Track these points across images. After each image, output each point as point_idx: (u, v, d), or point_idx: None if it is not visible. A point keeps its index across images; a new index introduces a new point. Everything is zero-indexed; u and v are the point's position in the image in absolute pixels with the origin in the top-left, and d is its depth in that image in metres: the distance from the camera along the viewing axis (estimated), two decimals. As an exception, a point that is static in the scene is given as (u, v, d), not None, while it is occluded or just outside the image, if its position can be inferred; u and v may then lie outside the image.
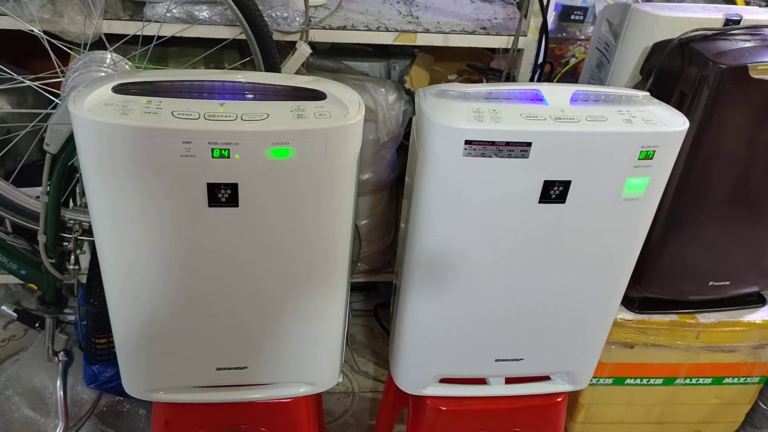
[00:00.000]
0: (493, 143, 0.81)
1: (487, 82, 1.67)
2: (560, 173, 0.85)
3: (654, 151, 0.84)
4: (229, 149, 0.77)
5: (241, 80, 0.84)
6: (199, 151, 0.77)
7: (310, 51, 1.34)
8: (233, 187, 0.80)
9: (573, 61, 1.82)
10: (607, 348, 1.24)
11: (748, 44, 1.12)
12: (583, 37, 1.83)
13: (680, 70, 1.12)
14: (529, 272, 0.96)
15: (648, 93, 0.93)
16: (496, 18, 1.50)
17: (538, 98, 0.87)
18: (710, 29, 1.14)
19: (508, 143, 0.82)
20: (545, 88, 0.88)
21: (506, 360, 1.06)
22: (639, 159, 0.85)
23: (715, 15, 1.18)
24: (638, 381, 1.40)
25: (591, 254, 0.95)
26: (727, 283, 1.30)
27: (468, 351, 1.04)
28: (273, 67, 1.19)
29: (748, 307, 1.37)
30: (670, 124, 0.85)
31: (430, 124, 0.83)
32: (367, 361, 1.73)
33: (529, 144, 0.82)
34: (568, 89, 0.88)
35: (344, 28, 1.37)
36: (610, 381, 1.39)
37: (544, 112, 0.84)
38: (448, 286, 0.97)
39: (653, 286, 1.29)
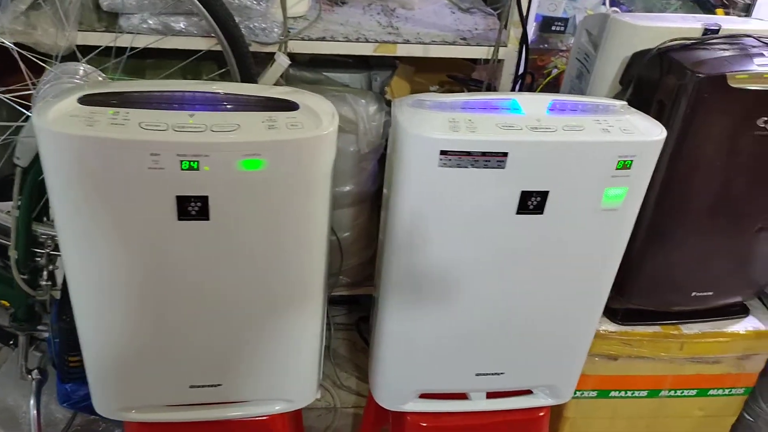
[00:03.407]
0: (468, 153, 0.80)
1: (468, 92, 1.66)
2: (538, 183, 0.84)
3: (632, 161, 0.84)
4: (198, 161, 0.75)
5: (213, 91, 0.83)
6: (167, 164, 0.75)
7: (289, 62, 1.32)
8: (203, 200, 0.78)
9: (555, 72, 1.81)
10: (591, 360, 1.22)
11: (726, 53, 1.11)
12: (564, 48, 1.83)
13: (659, 80, 1.11)
14: (508, 284, 0.95)
15: (626, 103, 0.92)
16: (476, 29, 1.50)
17: (515, 108, 0.86)
18: (689, 39, 1.14)
19: (484, 153, 0.80)
20: (522, 98, 0.87)
21: (487, 374, 1.05)
22: (617, 169, 0.84)
23: (694, 25, 1.17)
24: (623, 393, 1.39)
25: (571, 265, 0.94)
26: (711, 293, 1.29)
27: (448, 365, 1.03)
28: (250, 78, 1.17)
29: (732, 318, 1.36)
30: (648, 134, 0.84)
31: (405, 135, 0.81)
32: (350, 376, 1.70)
33: (506, 154, 0.81)
34: (545, 99, 0.87)
35: (324, 39, 1.36)
36: (594, 394, 1.37)
37: (520, 121, 0.83)
38: (426, 299, 0.95)
39: (636, 297, 1.27)
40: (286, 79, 1.40)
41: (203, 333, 0.92)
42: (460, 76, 1.65)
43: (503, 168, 0.82)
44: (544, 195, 0.85)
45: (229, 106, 0.82)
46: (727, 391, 1.41)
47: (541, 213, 0.86)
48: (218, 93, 0.82)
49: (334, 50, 1.38)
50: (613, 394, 1.38)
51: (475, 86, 1.64)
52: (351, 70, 1.63)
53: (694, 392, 1.41)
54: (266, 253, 0.85)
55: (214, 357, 0.96)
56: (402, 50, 1.40)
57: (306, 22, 1.40)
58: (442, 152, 0.80)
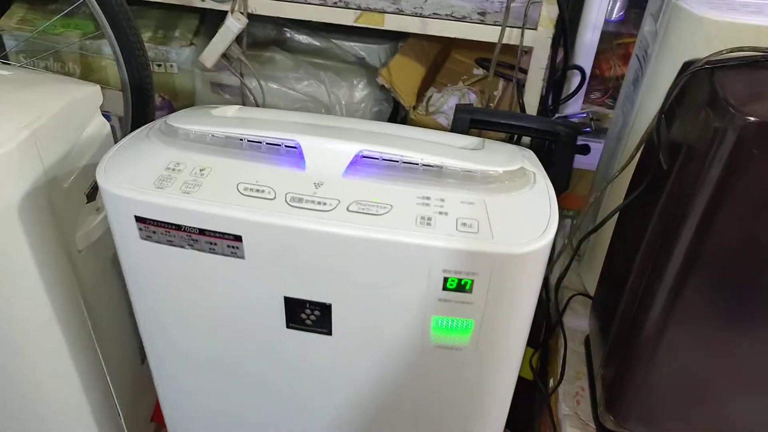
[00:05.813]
0: (179, 227, 0.48)
1: (505, 83, 1.25)
2: (309, 290, 0.50)
3: (471, 281, 0.46)
4: None
5: None
6: None
7: (240, 26, 1.04)
8: None
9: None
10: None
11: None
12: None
13: (695, 113, 0.69)
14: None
15: (527, 155, 0.53)
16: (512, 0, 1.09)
17: (297, 157, 0.51)
18: (760, 49, 0.68)
19: (202, 231, 0.48)
20: (315, 143, 0.51)
21: None
22: (446, 290, 0.47)
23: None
24: None
25: (395, 411, 0.58)
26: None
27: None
28: (128, 46, 0.89)
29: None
30: (507, 237, 0.46)
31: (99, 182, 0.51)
32: None
33: (239, 238, 0.48)
34: (352, 149, 0.50)
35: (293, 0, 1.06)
36: None
37: (284, 184, 0.48)
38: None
39: (633, 422, 0.86)
40: (246, 46, 1.11)
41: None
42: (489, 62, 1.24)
43: (242, 258, 0.49)
44: (324, 309, 0.50)
45: None
46: None
47: (329, 334, 0.52)
48: None
49: (300, 14, 1.07)
50: None
51: (507, 76, 1.23)
52: (370, 38, 1.30)
53: None
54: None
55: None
56: (391, 23, 1.06)
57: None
58: (139, 219, 0.49)
